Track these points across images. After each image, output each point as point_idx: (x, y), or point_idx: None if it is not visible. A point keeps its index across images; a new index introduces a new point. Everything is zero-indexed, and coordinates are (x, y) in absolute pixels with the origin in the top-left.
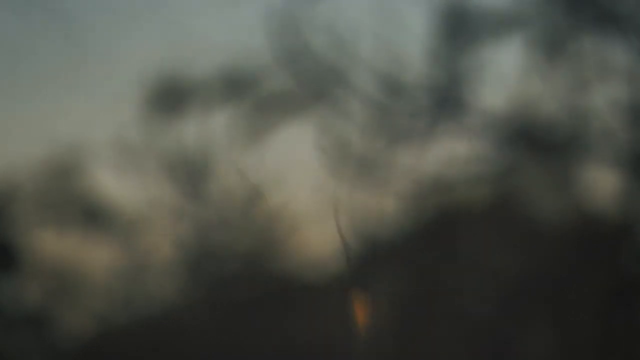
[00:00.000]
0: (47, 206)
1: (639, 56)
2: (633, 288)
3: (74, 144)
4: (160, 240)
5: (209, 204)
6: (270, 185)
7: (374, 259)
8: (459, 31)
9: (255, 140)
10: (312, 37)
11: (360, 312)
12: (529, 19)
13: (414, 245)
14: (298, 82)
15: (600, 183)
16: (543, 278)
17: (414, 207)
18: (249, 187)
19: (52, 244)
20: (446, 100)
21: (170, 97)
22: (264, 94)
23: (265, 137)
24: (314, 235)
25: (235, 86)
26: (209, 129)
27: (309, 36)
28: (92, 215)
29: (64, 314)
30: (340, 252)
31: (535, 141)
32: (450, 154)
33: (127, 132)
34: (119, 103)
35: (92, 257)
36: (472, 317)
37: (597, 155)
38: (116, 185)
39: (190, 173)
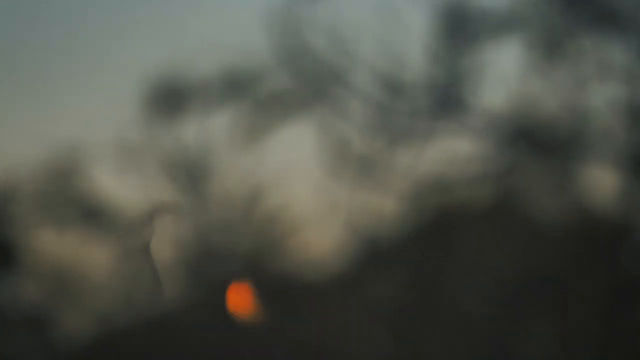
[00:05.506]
0: (47, 206)
1: (639, 56)
2: (633, 288)
3: (74, 144)
4: (160, 240)
5: (209, 204)
6: (270, 186)
7: (374, 259)
8: (459, 31)
9: (256, 140)
10: (312, 37)
11: (242, 303)
12: (528, 19)
13: (413, 245)
14: (298, 82)
15: (600, 183)
16: (543, 278)
17: (414, 207)
18: (249, 188)
19: (52, 244)
20: (446, 100)
21: (170, 97)
22: (264, 94)
23: (265, 137)
24: (314, 236)
25: (235, 86)
26: (209, 129)
27: (309, 36)
28: (92, 215)
29: (64, 314)
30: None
31: (535, 141)
32: (450, 154)
33: (127, 132)
34: (119, 103)
35: (92, 257)
36: (472, 317)
37: (597, 155)
38: (116, 185)
39: (190, 173)
